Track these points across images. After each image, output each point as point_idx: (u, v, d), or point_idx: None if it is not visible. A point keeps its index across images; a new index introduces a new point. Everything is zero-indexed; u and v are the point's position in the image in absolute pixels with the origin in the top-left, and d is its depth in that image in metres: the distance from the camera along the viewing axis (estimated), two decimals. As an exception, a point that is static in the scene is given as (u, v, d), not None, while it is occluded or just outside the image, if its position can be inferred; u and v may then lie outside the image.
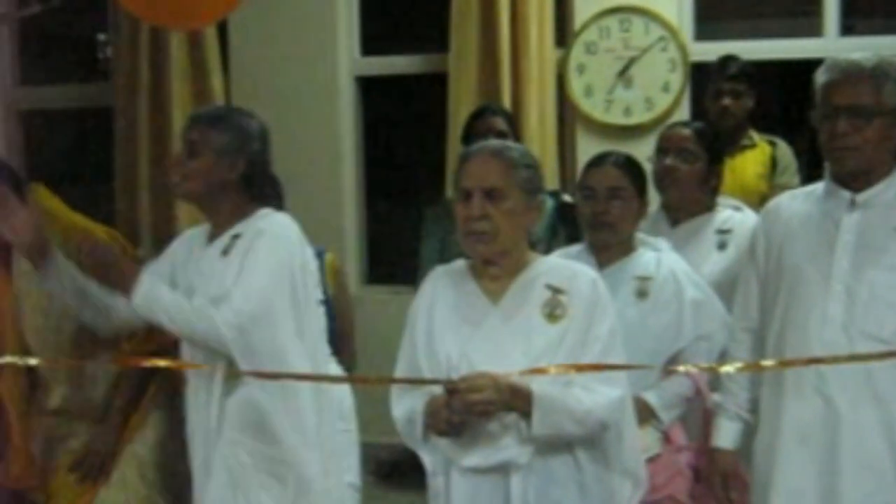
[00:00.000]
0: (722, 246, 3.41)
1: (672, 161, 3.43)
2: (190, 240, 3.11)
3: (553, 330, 2.58)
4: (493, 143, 2.77)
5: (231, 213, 3.00)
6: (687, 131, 3.51)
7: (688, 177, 3.43)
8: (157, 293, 2.87)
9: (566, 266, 2.74)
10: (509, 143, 2.81)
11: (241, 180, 2.99)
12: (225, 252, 2.95)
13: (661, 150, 3.50)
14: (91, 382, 3.25)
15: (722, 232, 3.44)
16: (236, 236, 2.96)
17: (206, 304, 2.83)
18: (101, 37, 6.57)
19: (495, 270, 2.66)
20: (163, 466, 3.31)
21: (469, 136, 4.06)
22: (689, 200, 3.48)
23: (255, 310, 2.83)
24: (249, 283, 2.85)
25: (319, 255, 3.70)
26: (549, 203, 3.91)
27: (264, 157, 3.05)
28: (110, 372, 3.23)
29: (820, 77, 2.67)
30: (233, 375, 2.84)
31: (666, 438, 3.03)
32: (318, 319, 3.11)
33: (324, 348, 3.15)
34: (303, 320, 2.97)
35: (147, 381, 3.31)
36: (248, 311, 2.82)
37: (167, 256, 3.11)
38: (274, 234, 2.95)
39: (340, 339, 3.74)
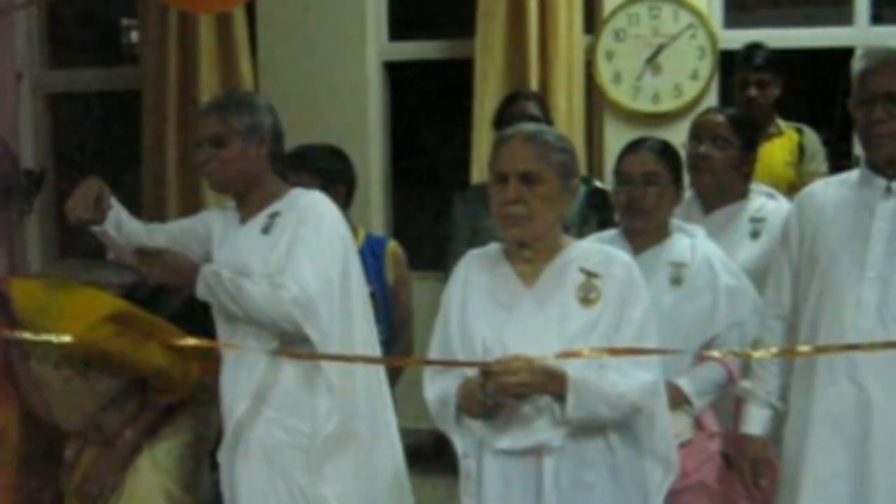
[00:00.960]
0: (755, 234, 3.40)
1: (706, 148, 3.42)
2: (223, 218, 3.15)
3: (587, 314, 2.59)
4: (529, 126, 2.77)
5: (266, 194, 3.05)
6: (721, 118, 3.50)
7: (722, 163, 3.42)
8: (219, 277, 2.91)
9: (600, 250, 2.74)
10: (544, 126, 2.81)
11: (269, 157, 3.04)
12: (265, 230, 2.99)
13: (695, 136, 3.49)
14: (102, 409, 3.17)
15: (755, 220, 3.43)
16: (274, 214, 3.01)
17: (272, 284, 2.87)
18: (125, 21, 6.60)
19: (529, 254, 2.66)
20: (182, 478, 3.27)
21: (501, 120, 4.07)
22: (723, 187, 3.47)
23: (322, 287, 2.89)
24: (310, 259, 2.90)
25: (381, 242, 3.74)
26: (581, 188, 3.92)
27: (280, 130, 3.10)
28: (122, 399, 3.19)
29: (857, 64, 2.67)
30: (269, 354, 2.87)
31: (698, 424, 3.03)
32: (364, 297, 3.15)
33: (371, 328, 3.17)
34: (351, 297, 3.02)
35: (161, 419, 3.25)
36: (316, 288, 2.88)
37: (202, 225, 3.17)
38: (320, 213, 3.01)
39: (399, 328, 3.79)
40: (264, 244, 2.98)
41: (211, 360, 3.08)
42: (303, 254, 2.91)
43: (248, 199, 3.06)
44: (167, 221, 3.30)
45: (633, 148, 3.20)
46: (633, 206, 3.12)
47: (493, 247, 2.77)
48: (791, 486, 2.74)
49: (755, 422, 2.91)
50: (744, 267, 3.24)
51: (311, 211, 2.99)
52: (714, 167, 3.43)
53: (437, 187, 5.66)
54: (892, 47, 2.63)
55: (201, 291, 2.92)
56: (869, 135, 2.64)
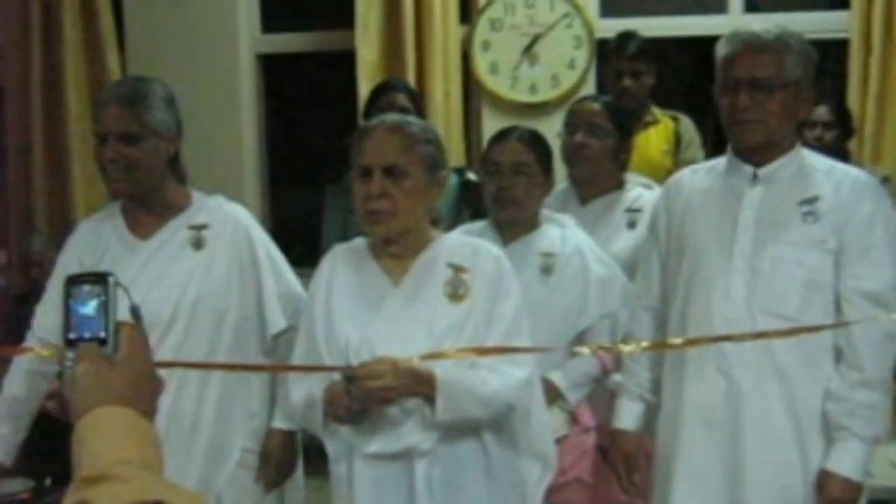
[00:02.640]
0: (632, 225, 3.36)
1: (582, 137, 3.36)
2: (95, 233, 2.85)
3: (456, 310, 2.52)
4: (392, 117, 2.67)
5: (172, 201, 2.82)
6: (596, 106, 3.44)
7: (598, 153, 3.36)
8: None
9: (468, 243, 2.67)
10: (409, 117, 2.72)
11: (173, 160, 2.80)
12: (197, 245, 2.78)
13: (571, 125, 3.42)
14: None
15: (632, 211, 3.39)
16: (201, 227, 2.80)
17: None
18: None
19: (396, 250, 2.58)
20: None
21: (370, 112, 3.98)
22: (599, 177, 3.42)
23: None
24: None
25: None
26: (454, 180, 3.85)
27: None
28: None
29: (721, 49, 2.64)
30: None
31: (573, 419, 3.00)
32: None
33: None
34: None
35: None
36: None
37: (71, 258, 2.82)
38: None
39: None
40: (198, 262, 2.76)
41: None
42: None
43: (152, 205, 2.79)
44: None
45: (501, 137, 3.14)
46: (502, 196, 3.05)
47: (359, 242, 2.68)
48: (665, 478, 2.71)
49: (628, 416, 2.87)
50: (620, 258, 3.21)
51: (252, 223, 2.88)
52: (590, 156, 3.37)
53: (316, 183, 5.55)
54: (755, 32, 2.60)
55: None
56: (734, 121, 2.61)
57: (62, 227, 4.90)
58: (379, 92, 4.11)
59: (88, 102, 5.20)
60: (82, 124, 5.19)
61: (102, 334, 1.29)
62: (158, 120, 2.72)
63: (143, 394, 1.27)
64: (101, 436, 1.17)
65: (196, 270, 2.75)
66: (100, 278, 1.33)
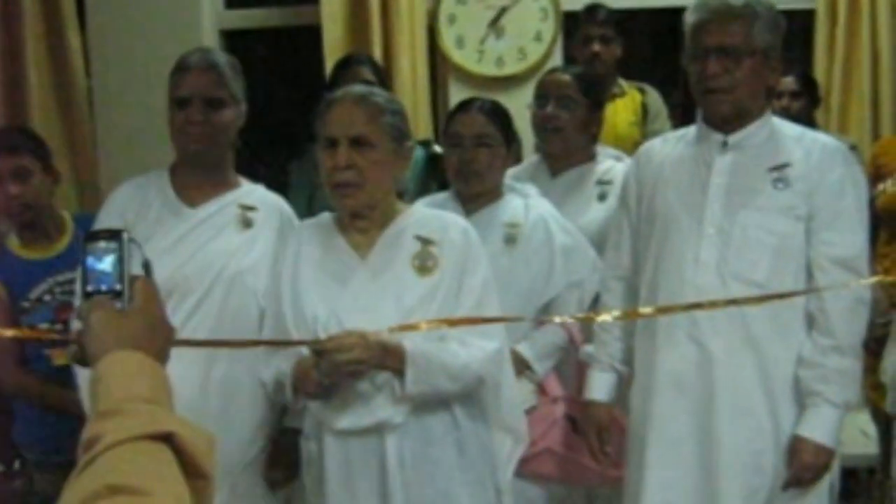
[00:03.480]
0: (603, 197, 3.32)
1: (553, 109, 3.32)
2: (139, 193, 2.83)
3: (424, 283, 2.50)
4: (358, 88, 2.64)
5: (227, 176, 2.87)
6: (567, 77, 3.39)
7: (570, 124, 3.32)
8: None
9: (436, 216, 2.65)
10: (374, 88, 2.69)
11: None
12: (245, 224, 2.79)
13: (541, 97, 3.38)
14: None
15: (603, 183, 3.35)
16: (251, 208, 2.82)
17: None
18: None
19: (363, 223, 2.55)
20: None
21: (334, 86, 3.91)
22: (570, 149, 3.38)
23: None
24: None
25: None
26: (420, 153, 3.81)
27: None
28: None
29: (689, 17, 2.62)
30: None
31: (541, 390, 2.98)
32: None
33: None
34: None
35: None
36: None
37: (112, 215, 2.78)
38: None
39: None
40: (242, 241, 2.77)
41: None
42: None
43: (210, 175, 2.82)
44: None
45: (462, 109, 3.11)
46: (464, 168, 3.02)
47: (325, 216, 2.66)
48: (639, 448, 2.70)
49: (599, 387, 2.86)
50: (591, 230, 3.19)
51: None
52: (561, 128, 3.33)
53: (282, 157, 5.49)
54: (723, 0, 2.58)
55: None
56: (703, 89, 2.60)
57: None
58: (343, 66, 4.04)
59: (50, 80, 5.11)
60: (43, 104, 5.10)
61: (118, 287, 1.37)
62: (238, 88, 2.80)
63: (155, 340, 1.34)
64: (114, 376, 1.23)
65: (241, 247, 2.76)
66: (114, 234, 1.40)
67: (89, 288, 1.39)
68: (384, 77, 4.09)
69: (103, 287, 1.37)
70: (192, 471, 1.12)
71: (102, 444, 1.09)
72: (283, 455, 2.81)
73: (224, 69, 2.78)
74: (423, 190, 3.69)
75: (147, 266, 1.45)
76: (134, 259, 1.41)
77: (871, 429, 3.60)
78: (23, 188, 3.12)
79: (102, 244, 1.39)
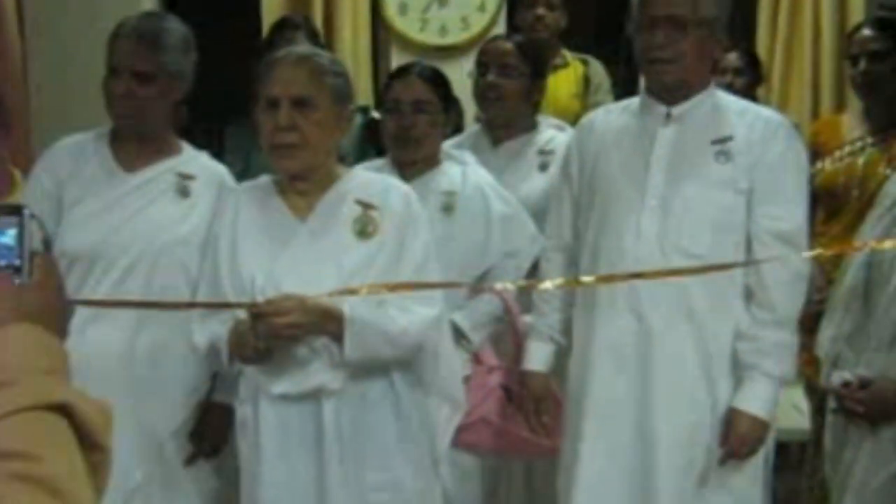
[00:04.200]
0: (544, 167, 3.30)
1: (494, 77, 3.28)
2: (76, 152, 2.75)
3: (364, 247, 2.47)
4: (301, 48, 2.61)
5: (165, 143, 2.78)
6: (508, 45, 3.36)
7: (511, 93, 3.29)
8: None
9: (378, 180, 2.62)
10: (317, 49, 2.64)
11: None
12: (182, 193, 2.71)
13: (482, 64, 3.34)
14: None
15: (544, 153, 3.33)
16: (189, 177, 2.74)
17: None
18: None
19: (303, 186, 2.51)
20: None
21: (270, 50, 3.83)
22: (512, 118, 3.35)
23: None
24: None
25: None
26: (358, 119, 3.76)
27: None
28: None
29: None
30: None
31: (476, 359, 2.97)
32: None
33: None
34: None
35: None
36: None
37: (47, 172, 2.73)
38: None
39: None
40: (178, 210, 2.69)
41: None
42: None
43: (144, 142, 2.74)
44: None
45: (401, 74, 3.07)
46: (402, 135, 2.98)
47: (264, 179, 2.61)
48: (576, 417, 2.70)
49: (538, 357, 2.85)
50: (532, 199, 3.17)
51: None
52: (503, 96, 3.30)
53: (218, 120, 5.40)
54: None
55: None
56: (649, 59, 2.59)
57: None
58: (277, 30, 3.94)
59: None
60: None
61: (17, 262, 1.35)
62: (174, 62, 2.68)
63: (53, 316, 1.32)
64: (10, 348, 1.21)
65: (175, 217, 2.69)
66: (15, 210, 1.38)
67: None
68: (320, 42, 3.99)
69: (2, 262, 1.35)
70: (89, 443, 1.11)
71: None
72: (210, 428, 2.77)
73: (161, 40, 2.66)
74: (361, 156, 3.64)
75: (47, 243, 1.45)
76: (35, 235, 1.39)
77: (805, 404, 3.65)
78: None
79: (3, 219, 1.37)
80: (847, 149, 3.60)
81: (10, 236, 1.35)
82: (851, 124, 3.69)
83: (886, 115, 3.56)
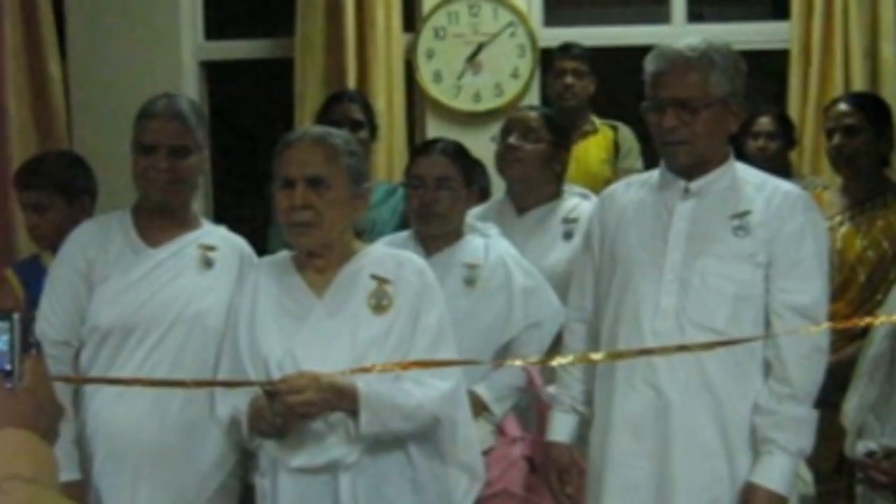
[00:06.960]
0: (568, 235, 3.33)
1: (515, 140, 3.34)
2: (101, 231, 2.86)
3: (379, 322, 2.51)
4: (316, 129, 2.68)
5: (189, 217, 2.91)
6: (533, 113, 3.44)
7: (530, 155, 3.33)
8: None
9: (392, 255, 2.66)
10: (332, 129, 2.69)
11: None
12: (206, 264, 2.82)
13: (506, 130, 3.40)
14: None
15: (568, 221, 3.36)
16: (211, 248, 2.84)
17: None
18: None
19: (320, 262, 2.57)
20: None
21: (323, 123, 3.90)
22: (532, 183, 3.38)
23: None
24: None
25: None
26: (400, 193, 3.80)
27: None
28: None
29: (647, 66, 2.63)
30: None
31: (499, 430, 2.98)
32: None
33: None
34: None
35: None
36: None
37: (76, 249, 2.82)
38: None
39: None
40: (203, 281, 2.80)
41: None
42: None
43: (171, 217, 2.85)
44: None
45: (424, 150, 3.13)
46: (425, 210, 3.04)
47: (283, 254, 2.67)
48: (596, 490, 2.69)
49: (561, 428, 2.85)
50: (556, 269, 3.20)
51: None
52: (521, 158, 3.34)
53: (259, 189, 5.50)
54: (679, 49, 2.57)
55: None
56: (663, 142, 2.61)
57: (2, 235, 4.84)
58: (333, 102, 4.00)
59: (30, 109, 5.10)
60: (23, 133, 5.08)
61: (8, 367, 1.38)
62: (203, 136, 2.85)
63: (42, 420, 1.35)
64: None
65: (202, 287, 2.79)
66: (6, 315, 1.42)
67: None
68: (373, 116, 4.04)
69: None
70: None
71: None
72: None
73: (189, 117, 2.82)
74: (401, 229, 3.68)
75: (38, 347, 1.48)
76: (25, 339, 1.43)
77: (807, 473, 3.59)
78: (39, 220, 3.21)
79: None
80: (827, 224, 3.60)
81: (2, 342, 1.38)
82: (832, 199, 3.70)
83: (863, 189, 3.60)
